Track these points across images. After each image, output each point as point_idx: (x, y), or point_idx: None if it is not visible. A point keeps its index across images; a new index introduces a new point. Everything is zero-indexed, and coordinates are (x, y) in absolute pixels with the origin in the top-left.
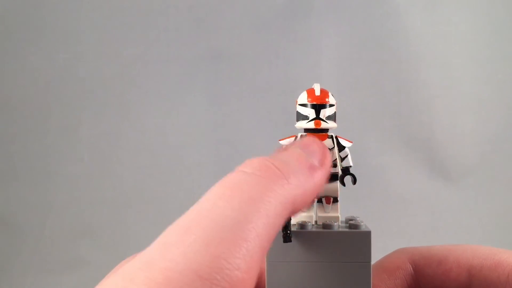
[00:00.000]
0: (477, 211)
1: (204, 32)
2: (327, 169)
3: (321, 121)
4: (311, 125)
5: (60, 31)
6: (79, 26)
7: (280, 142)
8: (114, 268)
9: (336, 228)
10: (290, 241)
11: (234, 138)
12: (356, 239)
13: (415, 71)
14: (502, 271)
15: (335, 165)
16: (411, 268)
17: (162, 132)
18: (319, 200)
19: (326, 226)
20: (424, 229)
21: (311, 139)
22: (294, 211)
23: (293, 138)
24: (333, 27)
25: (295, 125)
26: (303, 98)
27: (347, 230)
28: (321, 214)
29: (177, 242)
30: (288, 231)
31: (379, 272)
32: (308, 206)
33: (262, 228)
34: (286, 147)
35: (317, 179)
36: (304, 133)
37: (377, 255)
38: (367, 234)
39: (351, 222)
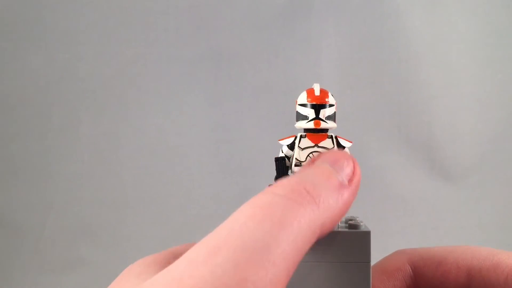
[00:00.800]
0: (477, 211)
1: (204, 32)
2: (356, 186)
3: (321, 121)
4: (311, 125)
5: (60, 31)
6: (79, 26)
7: (280, 142)
8: (124, 271)
9: (335, 228)
10: None
11: (234, 138)
12: (355, 239)
13: (415, 71)
14: (501, 272)
15: None
16: (410, 270)
17: (162, 132)
18: None
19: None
20: (424, 229)
21: (341, 153)
22: (322, 234)
23: (293, 138)
24: (333, 27)
25: (295, 125)
26: (302, 98)
27: (346, 230)
28: None
29: (205, 261)
30: None
31: (379, 273)
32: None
33: (290, 253)
34: (315, 161)
35: (346, 199)
36: (304, 133)
37: (377, 255)
38: (367, 234)
39: (350, 222)
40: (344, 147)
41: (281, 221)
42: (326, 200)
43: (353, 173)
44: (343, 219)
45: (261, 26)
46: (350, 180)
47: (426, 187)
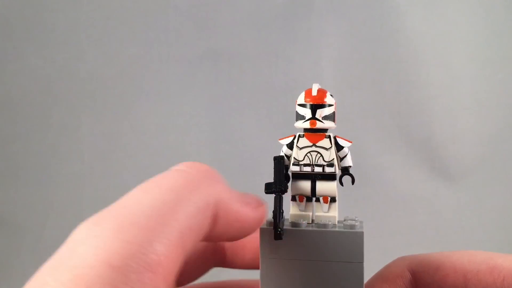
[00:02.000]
0: (477, 211)
1: (204, 32)
2: (258, 213)
3: (317, 121)
4: (307, 124)
5: (60, 31)
6: (79, 26)
7: (280, 141)
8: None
9: (329, 228)
10: (281, 238)
11: (234, 138)
12: (348, 239)
13: (415, 71)
14: (498, 275)
15: (331, 165)
16: (410, 276)
17: (162, 132)
18: (317, 199)
19: (320, 225)
20: (424, 229)
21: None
22: (217, 224)
23: (292, 137)
24: (333, 27)
25: (294, 125)
26: (301, 98)
27: (339, 229)
28: (318, 213)
29: (86, 236)
30: (279, 229)
31: (380, 281)
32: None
33: (181, 215)
34: None
35: (246, 209)
36: (302, 133)
37: (377, 254)
38: (360, 235)
39: (346, 222)
40: (342, 147)
41: (172, 188)
42: (227, 188)
43: (259, 203)
44: (342, 219)
45: (261, 26)
46: (254, 206)
47: (426, 187)
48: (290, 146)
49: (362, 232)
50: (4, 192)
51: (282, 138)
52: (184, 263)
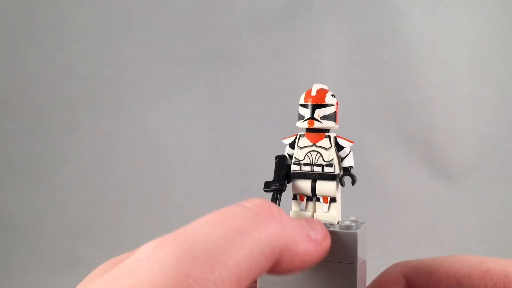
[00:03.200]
0: (477, 210)
1: (204, 32)
2: (323, 249)
3: (315, 121)
4: (305, 124)
5: (60, 31)
6: (79, 26)
7: (283, 141)
8: (87, 276)
9: (327, 227)
10: None
11: (234, 138)
12: (343, 239)
13: (415, 71)
14: (490, 279)
15: (331, 165)
16: (405, 281)
17: (162, 132)
18: (318, 199)
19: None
20: (424, 229)
21: (317, 220)
22: (279, 266)
23: (294, 137)
24: (333, 27)
25: (296, 124)
26: (302, 98)
27: (333, 230)
28: (318, 212)
29: (148, 257)
30: None
31: None
32: (293, 272)
33: (244, 260)
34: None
35: (311, 248)
36: (303, 133)
37: (377, 255)
38: (354, 236)
39: (343, 223)
40: (343, 147)
41: (239, 227)
42: (293, 231)
43: (324, 238)
44: (341, 219)
45: (261, 26)
46: (319, 241)
47: (426, 187)
48: (292, 145)
49: (356, 233)
50: (4, 192)
51: (285, 138)
52: None
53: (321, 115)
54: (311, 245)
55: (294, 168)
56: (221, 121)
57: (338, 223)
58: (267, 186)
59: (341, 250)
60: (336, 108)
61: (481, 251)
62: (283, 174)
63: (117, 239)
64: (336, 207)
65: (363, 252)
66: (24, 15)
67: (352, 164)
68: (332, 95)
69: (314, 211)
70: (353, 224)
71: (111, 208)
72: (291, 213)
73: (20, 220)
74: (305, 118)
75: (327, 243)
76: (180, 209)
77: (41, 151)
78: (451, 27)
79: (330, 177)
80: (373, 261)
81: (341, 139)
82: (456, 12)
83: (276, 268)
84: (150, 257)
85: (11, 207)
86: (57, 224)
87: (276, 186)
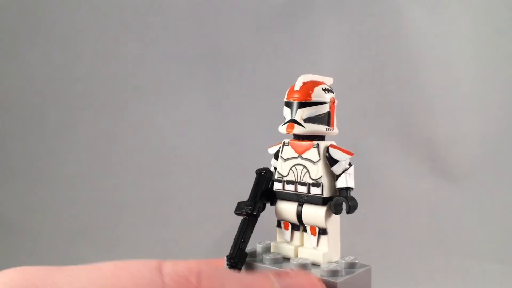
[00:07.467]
0: (478, 211)
1: (204, 32)
2: None
3: (295, 124)
4: (283, 129)
5: (60, 31)
6: (78, 26)
7: (269, 150)
8: None
9: (307, 268)
10: (235, 268)
11: (234, 138)
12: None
13: (415, 71)
14: None
15: (318, 184)
16: None
17: (162, 132)
18: (305, 229)
19: (299, 264)
20: (425, 229)
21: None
22: None
23: (280, 145)
24: (334, 26)
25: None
26: (286, 94)
27: (300, 271)
28: (304, 247)
29: None
30: (231, 260)
31: None
32: None
33: None
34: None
35: None
36: (287, 140)
37: (377, 254)
38: (334, 286)
39: (327, 266)
40: (337, 161)
41: None
42: None
43: None
44: (338, 257)
45: (261, 26)
46: None
47: (427, 187)
48: (276, 156)
49: (336, 283)
50: (2, 192)
51: (271, 146)
52: None
53: (305, 116)
54: None
55: (276, 186)
56: (221, 121)
57: (337, 261)
58: (238, 209)
59: None
60: (332, 108)
61: (482, 251)
62: (258, 195)
63: (115, 239)
64: (327, 241)
65: None
66: (23, 15)
67: (350, 185)
68: (326, 90)
69: (301, 244)
70: (340, 269)
71: (110, 209)
72: (272, 245)
73: (18, 221)
74: (285, 121)
75: None
76: (179, 210)
77: (40, 152)
78: (452, 27)
79: (318, 200)
80: (373, 262)
81: (335, 149)
82: (457, 11)
83: None
84: None
85: (9, 207)
86: (55, 225)
87: (246, 209)
